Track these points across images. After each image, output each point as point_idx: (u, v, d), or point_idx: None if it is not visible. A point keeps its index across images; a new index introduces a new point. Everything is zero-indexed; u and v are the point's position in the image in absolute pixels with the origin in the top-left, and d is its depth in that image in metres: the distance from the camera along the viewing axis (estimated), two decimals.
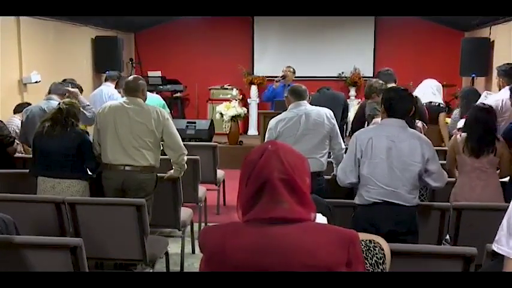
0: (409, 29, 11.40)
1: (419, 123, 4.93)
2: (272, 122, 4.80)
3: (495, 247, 1.99)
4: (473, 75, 9.74)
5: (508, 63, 6.32)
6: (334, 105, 5.96)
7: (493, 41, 9.44)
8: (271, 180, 1.80)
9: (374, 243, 2.06)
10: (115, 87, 7.40)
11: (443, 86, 9.50)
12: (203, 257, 1.93)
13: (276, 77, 9.01)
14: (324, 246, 1.79)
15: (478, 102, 5.77)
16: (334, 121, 4.77)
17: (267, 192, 1.81)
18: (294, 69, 8.98)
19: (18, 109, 6.61)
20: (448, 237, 4.24)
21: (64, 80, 6.54)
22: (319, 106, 4.90)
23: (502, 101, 5.79)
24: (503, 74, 6.10)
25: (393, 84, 6.00)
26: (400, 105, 3.87)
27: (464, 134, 4.57)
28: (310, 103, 4.87)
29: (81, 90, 6.58)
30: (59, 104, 4.80)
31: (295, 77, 8.85)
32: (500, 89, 6.11)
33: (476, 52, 9.61)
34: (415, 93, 5.53)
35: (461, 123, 5.14)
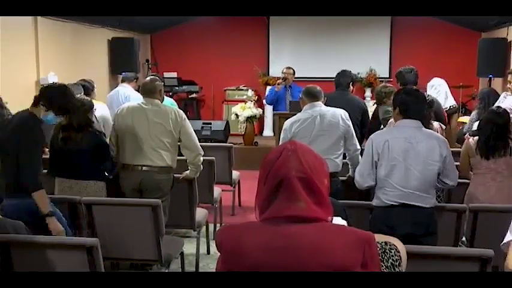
0: (426, 30, 11.30)
1: (435, 124, 4.90)
2: (287, 123, 4.77)
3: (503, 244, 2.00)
4: (491, 76, 9.65)
5: None
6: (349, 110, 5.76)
7: (511, 42, 9.35)
8: (288, 178, 1.80)
9: (390, 245, 2.04)
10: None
11: (460, 87, 9.46)
12: (220, 256, 1.93)
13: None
14: (340, 247, 1.78)
15: (495, 104, 5.73)
16: (349, 122, 4.73)
17: (284, 191, 1.81)
18: (293, 70, 8.93)
19: None
20: (464, 238, 4.21)
21: (81, 81, 6.54)
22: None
23: None
24: None
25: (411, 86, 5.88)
26: (415, 106, 3.87)
27: (476, 137, 4.56)
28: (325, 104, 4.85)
29: (92, 88, 6.58)
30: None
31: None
32: None
33: (493, 53, 9.52)
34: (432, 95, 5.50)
35: (475, 126, 5.11)
